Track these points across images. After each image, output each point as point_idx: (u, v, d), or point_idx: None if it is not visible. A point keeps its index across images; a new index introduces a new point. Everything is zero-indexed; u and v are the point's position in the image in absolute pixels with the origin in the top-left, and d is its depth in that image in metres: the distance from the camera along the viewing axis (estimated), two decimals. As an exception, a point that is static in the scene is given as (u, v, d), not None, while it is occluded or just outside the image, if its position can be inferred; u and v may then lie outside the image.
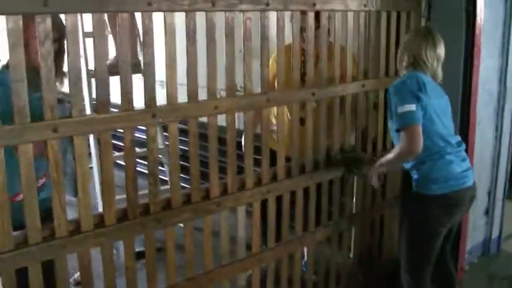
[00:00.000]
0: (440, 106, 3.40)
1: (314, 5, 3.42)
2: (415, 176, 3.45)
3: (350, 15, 3.70)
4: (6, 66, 2.64)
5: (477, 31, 4.11)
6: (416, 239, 3.49)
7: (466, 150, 3.59)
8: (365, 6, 3.75)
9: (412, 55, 3.41)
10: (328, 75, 3.62)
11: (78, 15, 2.69)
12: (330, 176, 3.83)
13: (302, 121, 3.60)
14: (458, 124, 4.14)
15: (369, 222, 4.31)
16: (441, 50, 3.48)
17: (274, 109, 3.64)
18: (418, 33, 3.50)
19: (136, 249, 2.95)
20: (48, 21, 2.39)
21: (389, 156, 3.37)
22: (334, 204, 3.94)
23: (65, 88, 2.75)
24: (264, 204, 3.47)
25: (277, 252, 3.62)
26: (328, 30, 3.63)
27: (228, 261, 3.38)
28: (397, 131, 3.27)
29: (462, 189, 3.38)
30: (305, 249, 3.97)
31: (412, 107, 3.18)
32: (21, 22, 2.30)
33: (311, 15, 3.45)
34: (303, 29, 3.50)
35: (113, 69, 2.81)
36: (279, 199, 3.54)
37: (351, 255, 4.29)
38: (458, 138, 3.53)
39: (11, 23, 2.28)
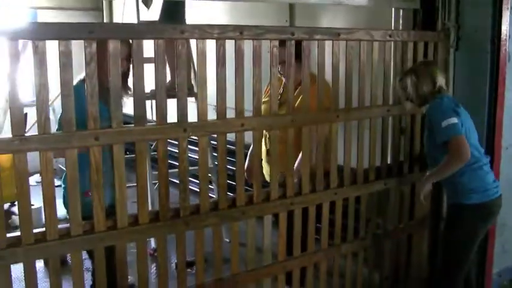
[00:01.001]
0: (469, 122, 3.77)
1: (339, 35, 3.75)
2: (454, 187, 3.79)
3: (375, 45, 4.00)
4: (83, 81, 3.08)
5: (502, 60, 4.34)
6: (456, 248, 3.82)
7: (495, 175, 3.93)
8: (390, 36, 4.06)
9: (433, 82, 3.76)
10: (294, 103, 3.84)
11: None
12: (355, 193, 4.11)
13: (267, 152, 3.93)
14: (484, 149, 4.36)
15: (396, 241, 4.54)
16: None
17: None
18: (431, 63, 4.01)
19: (188, 259, 3.41)
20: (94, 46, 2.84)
21: (440, 167, 3.67)
22: (361, 221, 4.21)
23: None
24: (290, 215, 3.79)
25: (302, 261, 3.92)
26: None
27: (254, 267, 3.71)
28: (444, 143, 3.59)
29: (497, 198, 3.75)
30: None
31: (455, 119, 3.55)
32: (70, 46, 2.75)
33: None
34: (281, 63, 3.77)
35: (169, 92, 3.24)
36: (305, 211, 3.85)
37: (378, 273, 4.52)
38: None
39: (62, 47, 2.74)
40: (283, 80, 3.98)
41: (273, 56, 3.50)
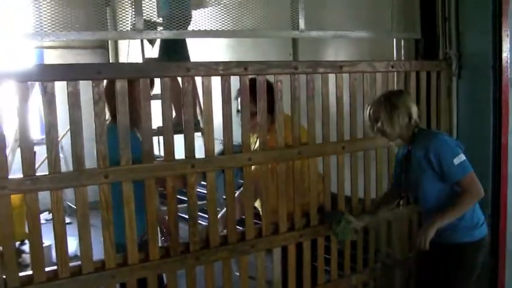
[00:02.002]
0: None
1: (341, 67, 3.81)
2: (454, 226, 3.40)
3: (378, 76, 4.06)
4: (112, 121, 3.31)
5: (505, 86, 4.38)
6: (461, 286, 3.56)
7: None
8: (393, 67, 4.11)
9: (408, 113, 3.44)
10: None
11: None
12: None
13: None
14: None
15: (406, 272, 4.52)
16: None
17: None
18: (404, 92, 3.70)
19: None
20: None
21: (455, 208, 3.34)
22: (370, 251, 4.22)
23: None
24: (300, 247, 3.81)
25: (312, 293, 3.93)
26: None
27: (264, 299, 3.72)
28: (457, 183, 3.34)
29: (487, 230, 3.60)
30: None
31: (463, 156, 3.34)
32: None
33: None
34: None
35: (175, 128, 3.30)
36: (313, 242, 3.87)
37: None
38: None
39: (70, 87, 2.81)
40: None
41: (277, 90, 3.55)
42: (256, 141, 3.73)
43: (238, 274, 3.74)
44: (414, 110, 3.46)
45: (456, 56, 4.44)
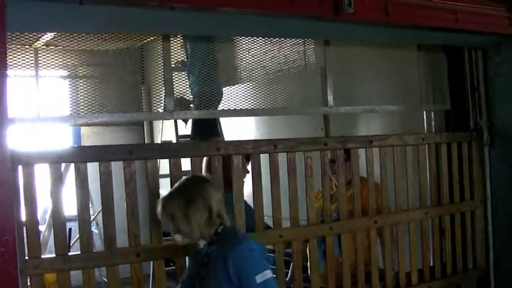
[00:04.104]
0: None
1: (371, 142, 3.83)
2: None
3: (409, 149, 4.06)
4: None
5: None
6: None
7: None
8: (423, 140, 4.12)
9: (208, 207, 2.75)
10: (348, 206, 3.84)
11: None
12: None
13: None
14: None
15: None
16: None
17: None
18: (202, 181, 2.87)
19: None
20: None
21: None
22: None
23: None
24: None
25: None
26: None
27: None
28: None
29: None
30: None
31: (269, 273, 2.68)
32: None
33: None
34: (331, 162, 3.84)
35: None
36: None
37: None
38: None
39: (103, 168, 2.88)
40: (334, 181, 4.01)
41: (307, 167, 3.58)
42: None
43: None
44: (216, 201, 2.76)
45: (487, 126, 4.43)
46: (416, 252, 4.17)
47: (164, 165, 3.56)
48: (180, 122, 6.09)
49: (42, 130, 7.33)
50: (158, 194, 3.10)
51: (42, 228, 6.64)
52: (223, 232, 2.76)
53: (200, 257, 2.85)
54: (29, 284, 2.84)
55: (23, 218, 2.78)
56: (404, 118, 5.20)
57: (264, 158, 3.44)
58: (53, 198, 2.86)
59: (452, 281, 4.36)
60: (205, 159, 3.58)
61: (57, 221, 2.87)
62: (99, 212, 6.74)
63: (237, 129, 5.87)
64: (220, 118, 5.95)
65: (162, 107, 3.62)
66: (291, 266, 3.74)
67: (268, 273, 2.63)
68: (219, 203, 2.77)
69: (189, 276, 2.92)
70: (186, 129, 5.77)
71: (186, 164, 3.25)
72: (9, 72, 2.55)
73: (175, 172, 3.18)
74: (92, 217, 7.33)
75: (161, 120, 7.55)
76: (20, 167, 2.77)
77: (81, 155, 2.93)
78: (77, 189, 2.93)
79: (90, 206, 8.41)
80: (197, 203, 2.70)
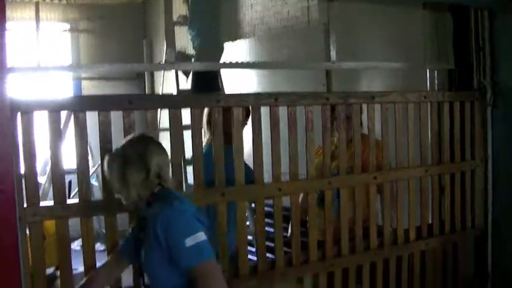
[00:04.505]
0: None
1: (373, 98, 3.81)
2: None
3: (411, 107, 4.04)
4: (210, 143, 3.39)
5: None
6: None
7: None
8: (425, 97, 4.09)
9: (146, 167, 2.60)
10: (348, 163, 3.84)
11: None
12: (396, 254, 4.08)
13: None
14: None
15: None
16: None
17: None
18: (144, 140, 2.73)
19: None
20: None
21: None
22: (403, 282, 4.16)
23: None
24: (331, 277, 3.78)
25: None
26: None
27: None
28: (189, 271, 2.51)
29: None
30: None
31: (203, 236, 2.52)
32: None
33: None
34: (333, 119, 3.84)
35: None
36: (345, 272, 3.84)
37: None
38: None
39: (102, 117, 2.86)
40: (335, 137, 4.00)
41: (308, 121, 3.56)
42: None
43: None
44: (157, 161, 2.61)
45: (491, 85, 4.39)
46: (415, 210, 4.17)
47: (164, 120, 3.54)
48: (181, 77, 6.06)
49: (43, 82, 7.32)
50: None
51: (42, 180, 6.66)
52: (158, 193, 2.61)
53: (139, 220, 2.74)
54: (28, 232, 2.86)
55: (22, 165, 2.78)
56: (407, 77, 5.15)
57: (264, 113, 3.43)
58: (51, 147, 2.85)
59: (450, 239, 4.37)
60: (205, 111, 3.57)
61: (56, 169, 2.87)
62: (99, 165, 6.75)
63: (238, 85, 5.84)
64: (221, 74, 5.93)
65: (164, 61, 3.60)
66: (290, 222, 3.74)
67: (200, 236, 2.48)
68: (162, 165, 2.63)
69: (125, 242, 2.88)
70: (186, 83, 5.74)
71: (186, 118, 3.23)
72: (10, 24, 2.53)
73: (175, 124, 3.16)
74: (92, 170, 7.37)
75: (162, 75, 7.51)
76: (18, 115, 2.76)
77: (80, 104, 2.91)
78: (76, 139, 2.92)
79: (91, 158, 8.49)
80: (133, 163, 2.57)
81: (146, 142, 2.67)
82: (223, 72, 5.78)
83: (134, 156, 2.58)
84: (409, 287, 4.20)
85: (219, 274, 2.55)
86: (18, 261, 2.55)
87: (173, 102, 3.19)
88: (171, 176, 2.73)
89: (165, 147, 2.73)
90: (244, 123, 3.56)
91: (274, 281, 3.54)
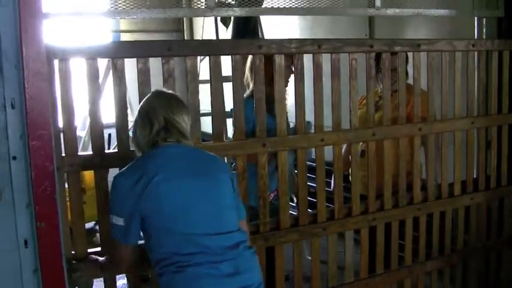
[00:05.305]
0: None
1: (419, 46, 3.67)
2: None
3: (458, 55, 3.88)
4: (251, 96, 3.36)
5: None
6: None
7: None
8: (473, 46, 3.93)
9: (150, 124, 2.51)
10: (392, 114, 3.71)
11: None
12: (440, 209, 3.97)
13: (363, 153, 3.78)
14: None
15: (483, 259, 4.36)
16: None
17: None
18: (153, 96, 2.61)
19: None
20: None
21: None
22: (447, 237, 4.06)
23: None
24: (372, 232, 3.70)
25: (385, 278, 3.81)
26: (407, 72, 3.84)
27: (335, 284, 3.63)
28: None
29: None
30: None
31: (120, 220, 2.44)
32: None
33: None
34: (378, 69, 3.72)
35: None
36: (387, 227, 3.75)
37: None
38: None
39: (141, 64, 2.78)
40: (380, 88, 3.88)
41: (352, 69, 3.44)
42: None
43: (310, 258, 3.66)
44: (163, 118, 2.49)
45: (542, 34, 4.20)
46: (461, 164, 4.05)
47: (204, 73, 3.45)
48: (221, 27, 5.97)
49: (82, 34, 7.30)
50: (197, 93, 3.02)
51: (82, 133, 6.68)
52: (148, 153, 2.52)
53: None
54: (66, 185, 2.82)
55: (60, 114, 2.73)
56: (454, 25, 4.98)
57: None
58: (89, 95, 2.79)
59: (495, 194, 4.24)
60: (249, 61, 3.47)
61: (94, 118, 2.81)
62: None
63: (279, 35, 5.73)
64: (261, 24, 5.81)
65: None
66: (333, 176, 3.65)
67: (111, 218, 2.44)
68: (162, 121, 2.48)
69: None
70: (226, 33, 5.65)
71: (227, 70, 3.14)
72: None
73: (215, 72, 3.07)
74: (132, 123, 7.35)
75: (202, 26, 7.42)
76: (55, 62, 2.69)
77: (118, 50, 2.82)
78: (114, 88, 2.85)
79: (130, 112, 8.49)
80: (143, 119, 2.52)
81: (157, 97, 2.57)
82: (265, 25, 5.67)
83: (142, 110, 2.54)
84: (452, 243, 4.10)
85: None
86: (56, 211, 2.50)
87: (213, 48, 3.08)
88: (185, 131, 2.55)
89: (185, 101, 2.65)
90: (290, 70, 3.44)
91: (316, 235, 3.47)
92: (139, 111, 2.54)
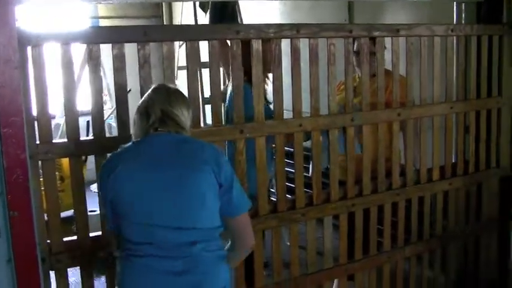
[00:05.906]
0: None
1: (398, 31, 3.65)
2: None
3: (437, 40, 3.87)
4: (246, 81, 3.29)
5: None
6: None
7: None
8: (452, 31, 3.91)
9: (147, 115, 2.46)
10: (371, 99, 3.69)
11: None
12: (419, 194, 3.97)
13: None
14: None
15: (462, 243, 4.38)
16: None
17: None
18: (155, 88, 2.55)
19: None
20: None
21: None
22: (425, 223, 4.07)
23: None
24: (351, 217, 3.69)
25: (364, 264, 3.81)
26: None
27: (315, 270, 3.62)
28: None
29: None
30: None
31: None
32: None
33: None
34: (356, 53, 3.72)
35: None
36: (366, 213, 3.75)
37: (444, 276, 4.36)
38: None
39: (116, 50, 2.75)
40: (358, 73, 3.86)
41: (330, 54, 3.42)
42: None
43: (288, 244, 3.65)
44: (159, 110, 2.43)
45: (521, 19, 4.20)
46: (439, 149, 4.05)
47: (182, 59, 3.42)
48: (199, 13, 5.93)
49: (59, 20, 7.22)
50: (174, 81, 2.99)
51: (61, 121, 6.60)
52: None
53: None
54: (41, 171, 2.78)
55: (33, 100, 2.68)
56: (433, 10, 4.97)
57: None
58: (64, 81, 2.74)
59: (474, 179, 4.25)
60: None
61: (69, 105, 2.77)
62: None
63: (258, 20, 5.70)
64: (240, 9, 5.77)
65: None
66: (311, 161, 3.63)
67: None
68: (158, 112, 2.42)
69: None
70: (205, 18, 5.61)
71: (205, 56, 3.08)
72: None
73: (192, 58, 3.03)
74: (111, 111, 7.30)
75: (181, 12, 7.38)
76: (28, 48, 2.64)
77: (93, 36, 2.77)
78: (90, 74, 2.81)
79: (109, 99, 8.43)
80: (140, 105, 2.49)
81: (158, 90, 2.52)
82: (243, 9, 5.62)
83: (141, 104, 2.49)
84: (431, 228, 4.11)
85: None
86: (29, 200, 2.46)
87: (190, 33, 3.03)
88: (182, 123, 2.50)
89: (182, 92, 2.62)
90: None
91: (294, 221, 3.46)
92: (139, 104, 2.50)
